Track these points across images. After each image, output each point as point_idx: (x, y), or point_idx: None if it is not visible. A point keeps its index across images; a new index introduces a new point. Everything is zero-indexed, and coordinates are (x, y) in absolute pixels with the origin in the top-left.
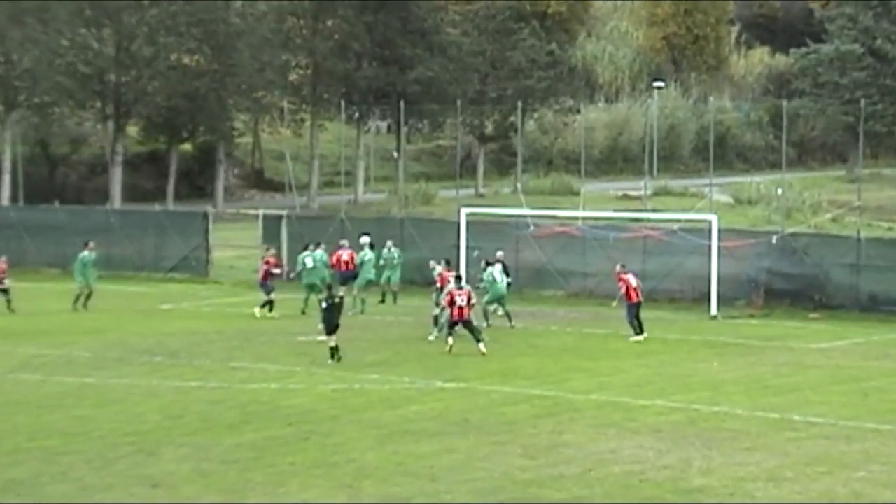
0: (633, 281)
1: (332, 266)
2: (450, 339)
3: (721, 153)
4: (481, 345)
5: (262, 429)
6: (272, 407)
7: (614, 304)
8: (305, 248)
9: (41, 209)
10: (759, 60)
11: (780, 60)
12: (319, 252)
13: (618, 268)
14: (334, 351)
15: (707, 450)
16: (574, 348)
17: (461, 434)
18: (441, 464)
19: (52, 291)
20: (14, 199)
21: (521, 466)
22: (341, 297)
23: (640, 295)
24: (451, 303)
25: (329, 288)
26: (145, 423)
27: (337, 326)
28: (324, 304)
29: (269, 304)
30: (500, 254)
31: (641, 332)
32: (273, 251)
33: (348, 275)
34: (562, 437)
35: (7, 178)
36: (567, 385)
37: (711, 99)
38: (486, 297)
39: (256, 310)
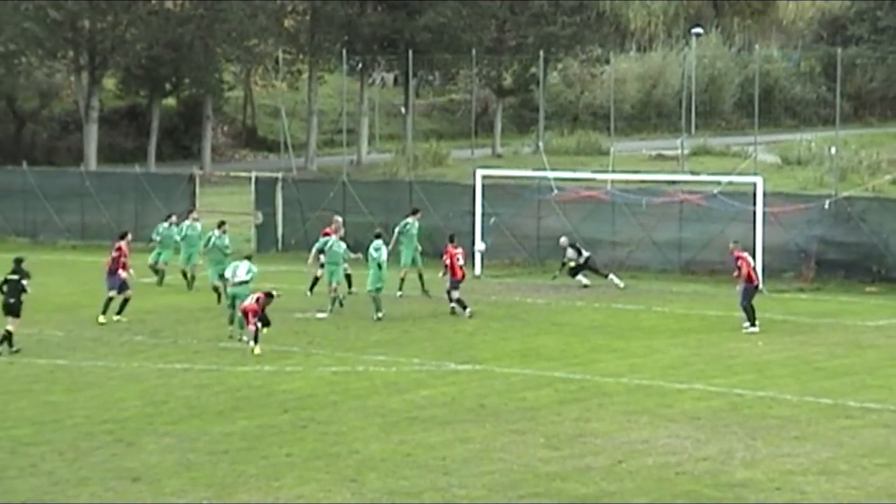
0: (752, 260)
1: None
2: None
3: (767, 108)
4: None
5: (255, 416)
6: (266, 392)
7: (736, 276)
8: (168, 219)
9: (7, 171)
10: (810, 3)
11: (835, 3)
12: (165, 225)
13: (731, 245)
14: (6, 338)
15: (751, 439)
16: (602, 326)
17: (476, 422)
18: (454, 455)
19: None
20: None
21: (543, 458)
22: (18, 277)
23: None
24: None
25: (17, 262)
26: (124, 410)
27: (10, 307)
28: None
29: (113, 302)
30: (563, 240)
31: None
32: (130, 237)
33: None
34: (589, 426)
35: None
36: (594, 367)
37: (757, 47)
38: (368, 283)
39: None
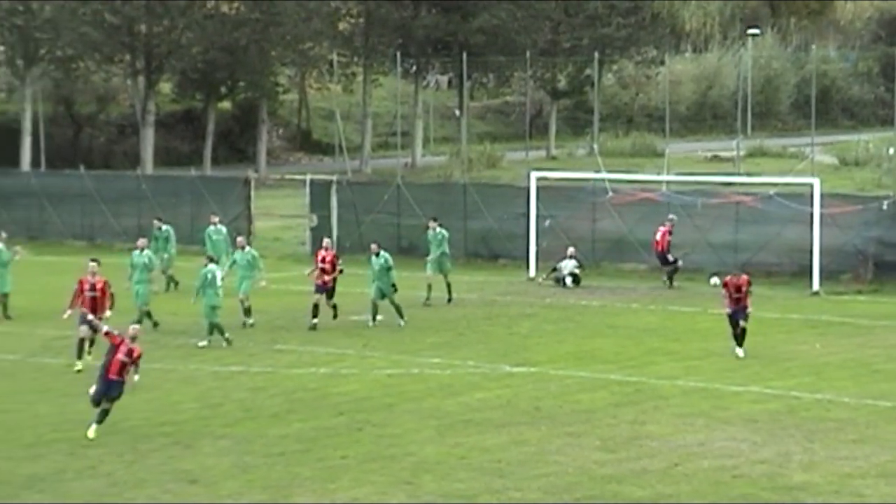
0: None
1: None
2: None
3: (824, 108)
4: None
5: (310, 418)
6: (321, 394)
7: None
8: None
9: (65, 175)
10: (868, 3)
11: (893, 3)
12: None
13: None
14: None
15: (809, 442)
16: (658, 328)
17: (531, 424)
18: (509, 457)
19: (76, 266)
20: (35, 163)
21: (598, 460)
22: None
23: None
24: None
25: None
26: (181, 413)
27: None
28: None
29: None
30: (571, 250)
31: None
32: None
33: (662, 257)
34: (644, 428)
35: (27, 140)
36: (650, 370)
37: (814, 47)
38: (372, 291)
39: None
